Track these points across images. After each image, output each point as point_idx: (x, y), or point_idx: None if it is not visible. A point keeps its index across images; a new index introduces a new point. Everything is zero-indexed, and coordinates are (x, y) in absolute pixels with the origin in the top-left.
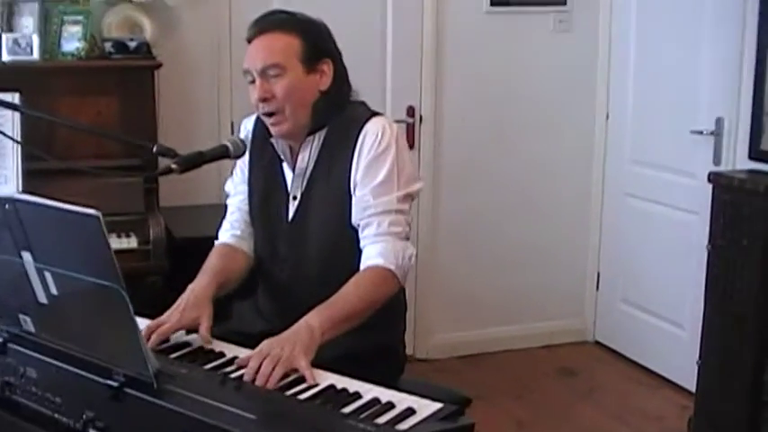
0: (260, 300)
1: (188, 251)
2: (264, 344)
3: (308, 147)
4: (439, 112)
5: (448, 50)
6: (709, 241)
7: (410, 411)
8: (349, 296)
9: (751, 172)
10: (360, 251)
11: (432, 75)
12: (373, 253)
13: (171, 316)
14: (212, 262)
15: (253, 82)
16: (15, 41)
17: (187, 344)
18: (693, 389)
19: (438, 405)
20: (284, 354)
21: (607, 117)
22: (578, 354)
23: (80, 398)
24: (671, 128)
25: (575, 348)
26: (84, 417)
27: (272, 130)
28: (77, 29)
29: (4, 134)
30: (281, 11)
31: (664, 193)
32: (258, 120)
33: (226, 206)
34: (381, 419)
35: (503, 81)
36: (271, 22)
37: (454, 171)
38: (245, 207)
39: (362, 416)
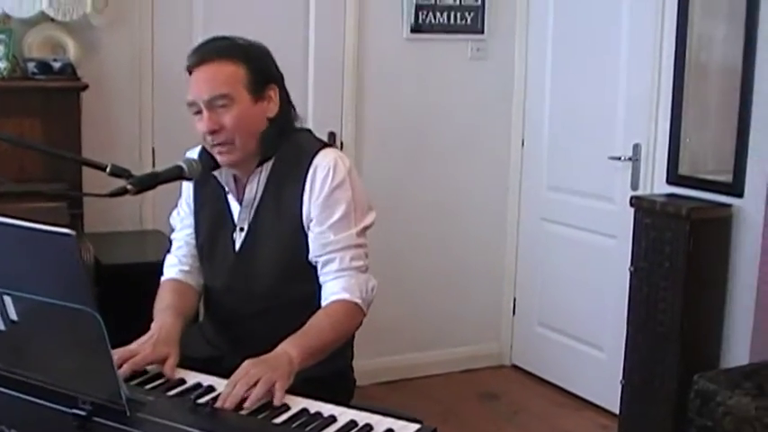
0: (205, 327)
1: (115, 278)
2: (245, 364)
3: (255, 177)
4: (359, 138)
5: (368, 76)
6: (632, 263)
7: None
8: (323, 327)
9: (670, 196)
10: (310, 284)
11: (352, 101)
12: (337, 288)
13: (143, 347)
14: (169, 300)
15: (198, 113)
16: None
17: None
18: (614, 409)
19: (415, 426)
20: (266, 375)
21: (522, 144)
22: (497, 377)
23: (41, 429)
24: (588, 154)
25: (493, 372)
26: None
27: (221, 159)
28: None
29: None
30: (221, 37)
31: (581, 217)
32: (202, 152)
33: (170, 239)
34: None
35: (421, 107)
36: (213, 51)
37: (373, 197)
38: (192, 241)
39: None
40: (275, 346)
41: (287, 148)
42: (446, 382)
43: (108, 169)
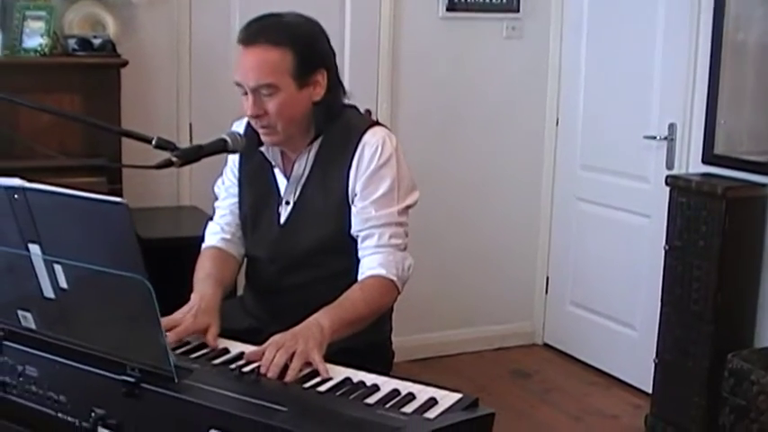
0: (245, 298)
1: (152, 252)
2: (276, 337)
3: (304, 155)
4: (395, 116)
5: (403, 55)
6: (666, 242)
7: (433, 401)
8: (356, 300)
9: (705, 175)
10: (350, 258)
11: (388, 79)
12: (374, 263)
13: (185, 317)
14: (211, 268)
15: (245, 93)
16: None
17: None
18: (645, 387)
19: (457, 395)
20: (299, 347)
21: (557, 123)
22: (529, 356)
23: (88, 395)
24: (623, 133)
25: (525, 351)
26: (92, 415)
27: (264, 139)
28: (40, 25)
29: None
30: (273, 15)
31: (615, 196)
32: (249, 125)
33: (214, 207)
34: (407, 409)
35: (456, 86)
36: (261, 33)
37: None
38: (236, 210)
39: (388, 406)
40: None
41: (336, 126)
42: (478, 360)
43: (153, 141)
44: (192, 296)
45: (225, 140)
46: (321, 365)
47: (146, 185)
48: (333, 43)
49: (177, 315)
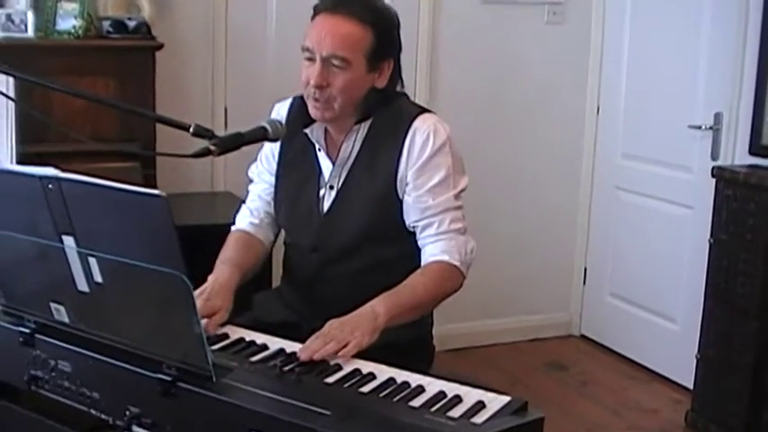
0: (283, 290)
1: (188, 240)
2: (327, 326)
3: (352, 136)
4: (433, 103)
5: (443, 41)
6: (711, 235)
7: (480, 405)
8: (417, 286)
9: (752, 167)
10: (396, 246)
11: (427, 66)
12: (437, 250)
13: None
14: (232, 251)
15: (310, 60)
16: (8, 18)
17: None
18: (686, 383)
19: (505, 398)
20: (342, 334)
21: (598, 110)
22: (566, 348)
23: (123, 393)
24: (666, 122)
25: (562, 342)
26: (127, 413)
27: (314, 113)
28: (73, 6)
29: (7, 95)
30: None
31: (656, 186)
32: (293, 105)
33: (247, 190)
34: (454, 413)
35: (496, 73)
36: (349, 3)
37: None
38: (268, 197)
39: (434, 409)
40: (356, 309)
41: (386, 111)
42: (513, 351)
43: (191, 129)
44: (209, 278)
45: (265, 128)
46: (347, 348)
47: (179, 171)
48: None
49: None
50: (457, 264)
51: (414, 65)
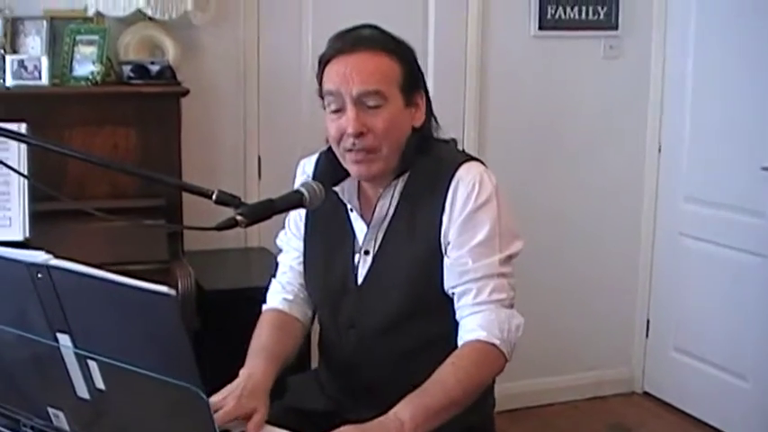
0: (321, 373)
1: (219, 305)
2: None
3: (389, 192)
4: (482, 144)
5: (492, 78)
6: None
7: None
8: (446, 381)
9: None
10: (446, 321)
11: (475, 104)
12: (473, 325)
13: (227, 400)
14: (266, 338)
15: (337, 111)
16: (21, 64)
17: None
18: None
19: None
20: None
21: (659, 150)
22: (628, 406)
23: None
24: (735, 163)
25: (623, 400)
26: None
27: (357, 170)
28: (91, 50)
29: (12, 168)
30: (370, 25)
31: (724, 233)
32: (320, 161)
33: (276, 261)
34: None
35: (549, 110)
36: (368, 39)
37: None
38: (299, 267)
39: None
40: (404, 396)
41: (426, 159)
42: (572, 411)
43: (214, 197)
44: (241, 372)
45: (301, 194)
46: None
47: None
48: None
49: (218, 397)
50: (497, 342)
51: (462, 103)
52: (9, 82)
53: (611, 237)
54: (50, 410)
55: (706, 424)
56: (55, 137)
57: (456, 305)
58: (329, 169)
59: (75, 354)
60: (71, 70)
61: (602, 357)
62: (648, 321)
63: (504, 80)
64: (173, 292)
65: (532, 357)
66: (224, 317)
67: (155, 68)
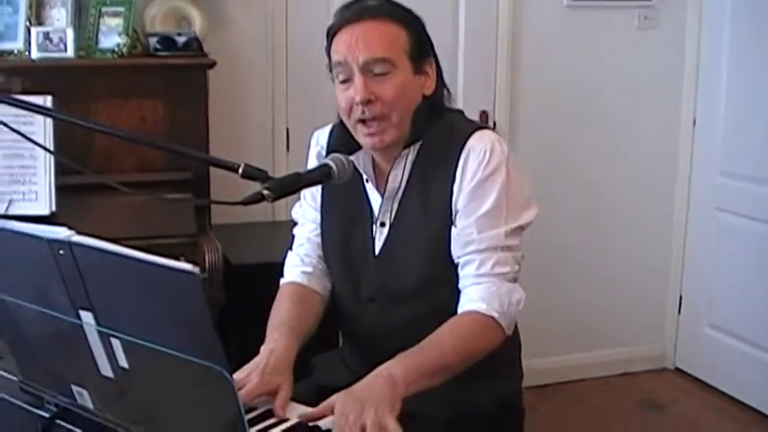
0: (344, 350)
1: (246, 280)
2: (340, 403)
3: (401, 163)
4: (514, 117)
5: (524, 49)
6: None
7: None
8: (442, 344)
9: None
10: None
11: (506, 76)
12: (474, 296)
13: (250, 377)
14: (286, 312)
15: (346, 81)
16: (46, 36)
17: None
18: None
19: None
20: (367, 418)
21: (694, 123)
22: (660, 383)
23: None
24: None
25: (655, 377)
26: None
27: (368, 140)
28: (117, 22)
29: (37, 143)
30: None
31: (761, 207)
32: (333, 132)
33: (292, 234)
34: None
35: (582, 83)
36: (373, 8)
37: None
38: (317, 239)
39: None
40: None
41: (437, 129)
42: (604, 387)
43: (240, 171)
44: (262, 348)
45: (329, 168)
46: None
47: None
48: (445, 37)
49: (241, 374)
50: (495, 315)
51: (493, 76)
52: (35, 54)
53: (645, 212)
54: (74, 388)
55: (739, 401)
56: (81, 110)
57: (459, 274)
58: (343, 141)
59: (98, 332)
60: (97, 42)
61: (634, 333)
62: (681, 297)
63: (536, 52)
64: (196, 269)
65: (563, 333)
66: (251, 291)
67: (181, 40)
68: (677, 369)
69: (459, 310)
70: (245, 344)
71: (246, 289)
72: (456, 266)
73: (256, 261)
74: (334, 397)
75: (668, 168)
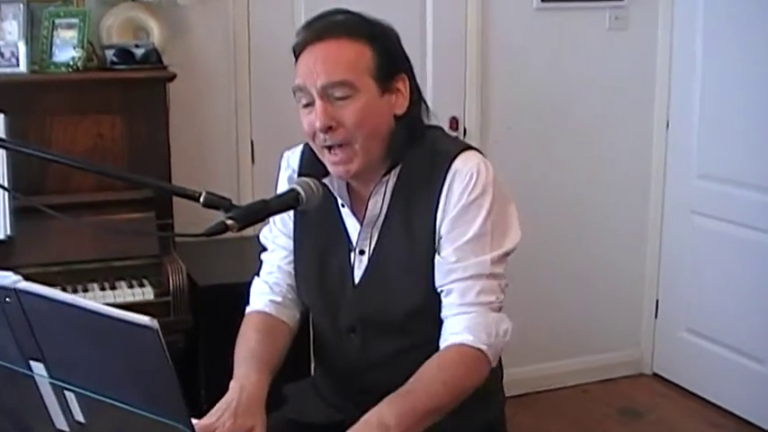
0: (319, 381)
1: (214, 301)
2: None
3: (381, 189)
4: (485, 122)
5: (494, 52)
6: None
7: None
8: (432, 383)
9: None
10: None
11: (476, 81)
12: (459, 327)
13: (222, 420)
14: (255, 344)
15: (308, 106)
16: None
17: None
18: None
19: None
20: None
21: (667, 125)
22: (638, 389)
23: None
24: (748, 138)
25: (633, 383)
26: None
27: (335, 169)
28: (72, 34)
29: None
30: (340, 10)
31: (737, 210)
32: (305, 154)
33: (260, 259)
34: None
35: (553, 86)
36: (333, 26)
37: None
38: (288, 267)
39: None
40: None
41: (418, 151)
42: (581, 395)
43: (201, 200)
44: (232, 384)
45: (297, 193)
46: None
47: (201, 216)
48: (413, 42)
49: (211, 417)
50: (483, 348)
51: (463, 80)
52: None
53: (620, 216)
54: None
55: (718, 407)
56: (35, 126)
57: (443, 304)
58: (315, 163)
59: (51, 384)
60: (51, 56)
61: (611, 339)
62: (658, 302)
63: (506, 55)
64: (154, 324)
65: (540, 341)
66: (219, 313)
67: (139, 52)
68: (655, 375)
69: (443, 342)
70: (213, 368)
71: (214, 311)
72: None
73: (224, 281)
74: None
75: (642, 172)
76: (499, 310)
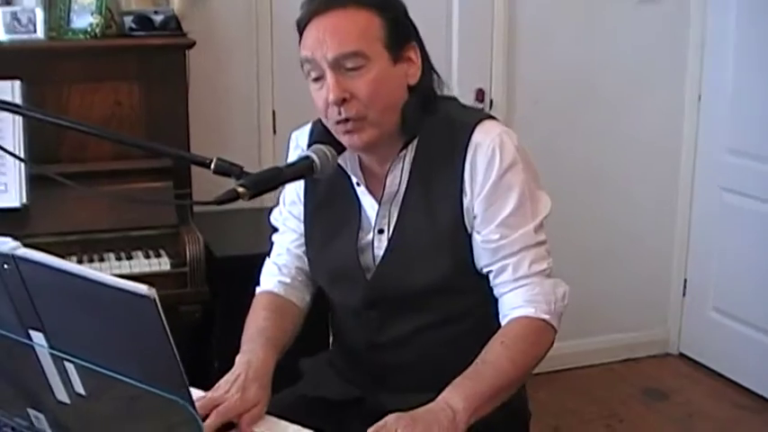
0: (335, 358)
1: (231, 273)
2: (390, 422)
3: (398, 165)
4: (511, 95)
5: (521, 24)
6: None
7: None
8: (499, 362)
9: None
10: (470, 296)
11: (503, 53)
12: (517, 301)
13: (230, 392)
14: (263, 322)
15: (318, 79)
16: (14, 17)
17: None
18: None
19: None
20: None
21: (699, 99)
22: (664, 369)
23: None
24: None
25: (659, 363)
26: None
27: (348, 140)
28: (90, 1)
29: (4, 149)
30: None
31: (767, 188)
32: (314, 132)
33: (271, 242)
34: None
35: (582, 59)
36: None
37: None
38: (297, 250)
39: None
40: (427, 378)
41: (434, 123)
42: (606, 374)
43: (212, 166)
44: (238, 359)
45: (311, 161)
46: None
47: (220, 185)
48: (438, 14)
49: (218, 392)
50: (546, 317)
51: (489, 54)
52: (2, 36)
53: (648, 192)
54: (31, 412)
55: (745, 388)
56: (52, 94)
57: (493, 282)
58: (325, 140)
59: (51, 354)
60: (68, 22)
61: (637, 318)
62: (686, 281)
63: (534, 27)
64: (151, 292)
65: (564, 318)
66: (236, 285)
67: (158, 19)
68: (681, 355)
69: (503, 318)
70: (227, 340)
71: (231, 283)
72: (465, 273)
73: (241, 252)
74: (389, 417)
75: (672, 147)
76: (551, 274)
